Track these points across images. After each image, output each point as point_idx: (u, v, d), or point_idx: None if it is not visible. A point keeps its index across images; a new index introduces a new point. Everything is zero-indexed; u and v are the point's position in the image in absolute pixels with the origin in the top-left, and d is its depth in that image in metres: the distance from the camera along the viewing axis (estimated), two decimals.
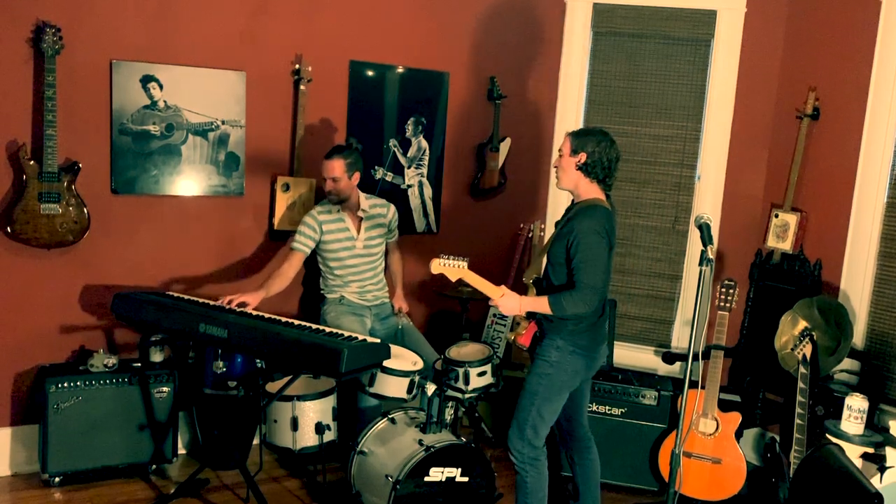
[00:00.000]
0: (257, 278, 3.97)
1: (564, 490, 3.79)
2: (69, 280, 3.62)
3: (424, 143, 4.45)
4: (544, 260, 3.14)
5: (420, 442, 3.15)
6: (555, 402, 3.06)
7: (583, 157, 3.00)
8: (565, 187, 3.11)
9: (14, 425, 3.60)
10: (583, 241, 2.89)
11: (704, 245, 2.70)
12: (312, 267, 4.00)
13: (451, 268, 3.04)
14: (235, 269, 3.99)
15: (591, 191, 3.04)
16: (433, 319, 4.64)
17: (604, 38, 4.55)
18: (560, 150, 3.10)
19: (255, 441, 3.90)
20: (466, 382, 3.36)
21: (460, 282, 3.12)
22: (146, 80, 3.65)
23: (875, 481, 3.09)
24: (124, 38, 3.59)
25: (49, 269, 3.56)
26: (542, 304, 2.96)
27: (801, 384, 3.36)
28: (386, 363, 3.19)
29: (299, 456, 3.46)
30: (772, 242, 4.14)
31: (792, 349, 3.50)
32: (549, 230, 4.69)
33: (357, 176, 3.73)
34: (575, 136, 3.06)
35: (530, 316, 3.12)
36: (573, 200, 3.14)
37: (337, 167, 3.65)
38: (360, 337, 3.09)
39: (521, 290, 3.21)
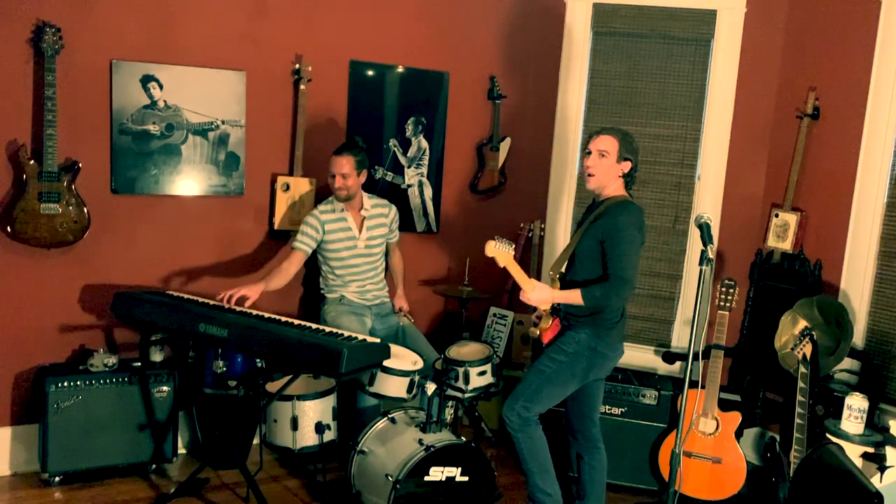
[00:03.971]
0: (257, 278, 3.97)
1: (570, 490, 3.79)
2: (69, 280, 3.62)
3: (424, 143, 4.45)
4: (568, 255, 3.15)
5: (420, 441, 3.15)
6: (557, 388, 3.08)
7: (628, 165, 3.04)
8: (597, 186, 3.08)
9: (14, 425, 3.60)
10: (620, 235, 2.94)
11: (704, 244, 2.70)
12: (312, 267, 4.00)
13: (503, 253, 3.00)
14: (235, 269, 3.99)
15: (619, 190, 3.09)
16: (433, 319, 4.64)
17: (604, 37, 4.55)
18: (603, 151, 3.03)
19: (255, 441, 3.90)
20: (466, 382, 3.36)
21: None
22: (146, 80, 3.65)
23: (875, 481, 3.09)
24: (124, 38, 3.59)
25: (49, 269, 3.56)
26: (574, 296, 2.98)
27: (801, 384, 3.36)
28: (386, 363, 3.19)
29: (299, 455, 3.46)
30: (772, 242, 4.14)
31: (792, 349, 3.50)
32: (550, 230, 4.70)
33: (364, 174, 3.74)
34: (623, 141, 3.02)
35: (554, 312, 3.12)
36: (595, 198, 3.13)
37: (346, 163, 3.65)
38: (360, 337, 3.09)
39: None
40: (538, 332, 3.16)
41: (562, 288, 3.10)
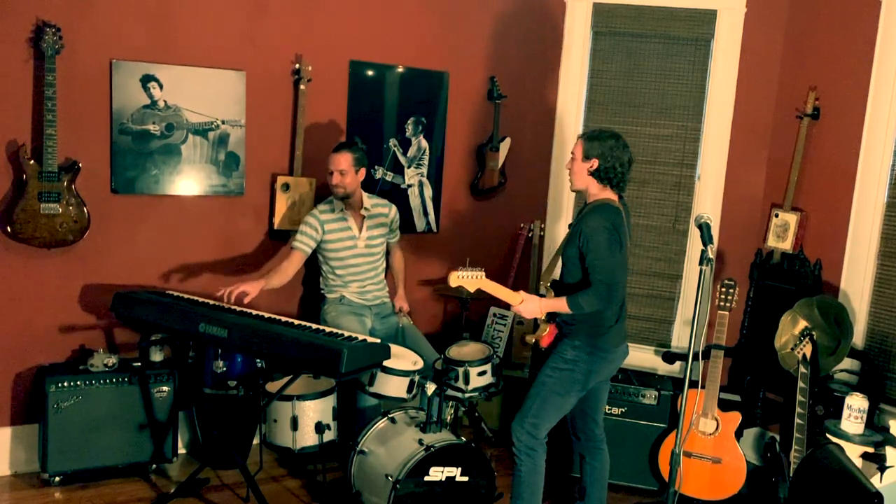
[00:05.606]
0: (257, 277, 3.96)
1: (571, 491, 3.79)
2: (69, 280, 3.62)
3: (424, 143, 4.45)
4: (559, 262, 3.15)
5: (420, 441, 3.15)
6: (562, 399, 3.06)
7: (594, 163, 3.00)
8: (578, 189, 3.11)
9: (14, 425, 3.60)
10: (592, 238, 2.91)
11: (704, 244, 2.70)
12: (312, 267, 4.00)
13: (469, 279, 3.03)
14: (235, 269, 3.99)
15: (602, 192, 3.05)
16: (433, 319, 4.64)
17: (604, 37, 4.55)
18: (572, 152, 3.09)
19: (255, 441, 3.90)
20: (466, 382, 3.36)
21: (478, 291, 3.11)
22: (146, 79, 3.65)
23: (875, 481, 3.09)
24: (124, 38, 3.59)
25: (49, 269, 3.56)
26: (560, 305, 2.98)
27: (801, 384, 3.36)
28: (386, 363, 3.19)
29: (299, 455, 3.46)
30: (772, 242, 4.14)
31: (792, 349, 3.50)
32: (550, 230, 4.71)
33: (363, 172, 3.73)
34: (587, 140, 3.03)
35: (550, 318, 3.12)
36: (585, 201, 3.14)
37: (344, 160, 3.66)
38: (360, 337, 3.09)
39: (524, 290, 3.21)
40: (534, 339, 3.17)
41: (556, 295, 3.10)
